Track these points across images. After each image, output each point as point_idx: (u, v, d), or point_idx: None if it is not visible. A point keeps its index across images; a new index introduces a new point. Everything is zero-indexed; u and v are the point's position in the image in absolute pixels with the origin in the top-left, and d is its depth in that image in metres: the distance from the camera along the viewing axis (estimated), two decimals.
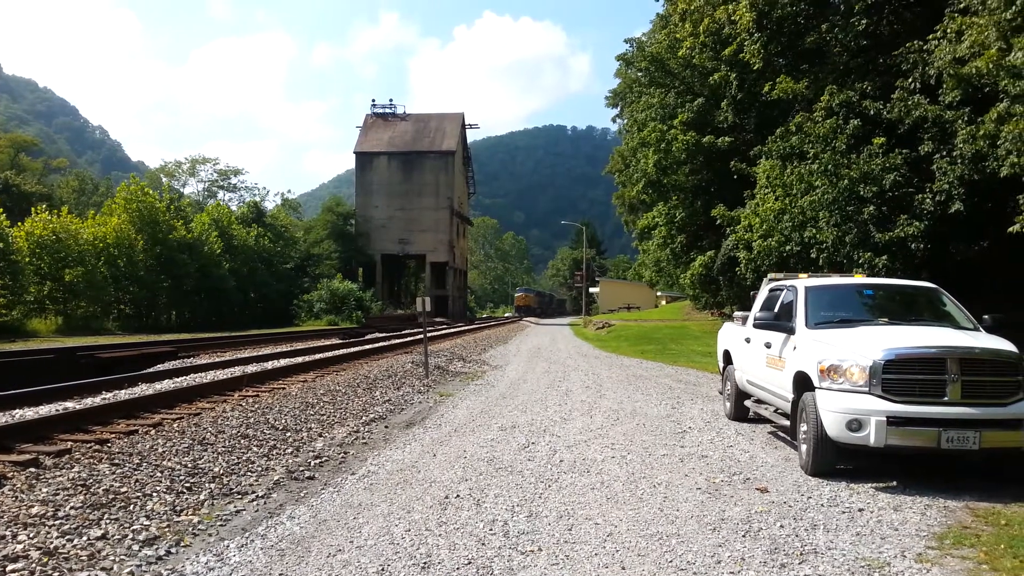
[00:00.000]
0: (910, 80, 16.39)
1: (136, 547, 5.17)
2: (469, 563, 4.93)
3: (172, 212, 45.76)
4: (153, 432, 8.52)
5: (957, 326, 8.16)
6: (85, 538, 5.22)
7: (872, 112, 17.28)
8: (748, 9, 20.47)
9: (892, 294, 9.53)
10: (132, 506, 5.99)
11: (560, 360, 22.26)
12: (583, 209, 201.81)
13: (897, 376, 6.80)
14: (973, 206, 15.40)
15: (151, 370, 14.55)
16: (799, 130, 18.73)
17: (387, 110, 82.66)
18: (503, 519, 5.88)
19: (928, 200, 15.80)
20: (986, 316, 8.42)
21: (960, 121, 15.03)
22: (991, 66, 13.19)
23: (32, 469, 6.61)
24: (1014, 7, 12.60)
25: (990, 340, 7.43)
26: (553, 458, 8.14)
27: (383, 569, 4.84)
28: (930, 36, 15.54)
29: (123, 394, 11.27)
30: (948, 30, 14.78)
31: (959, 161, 15.01)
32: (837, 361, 7.12)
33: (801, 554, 5.09)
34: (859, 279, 10.12)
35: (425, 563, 4.94)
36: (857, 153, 17.13)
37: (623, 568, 4.87)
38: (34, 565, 4.68)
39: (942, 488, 6.79)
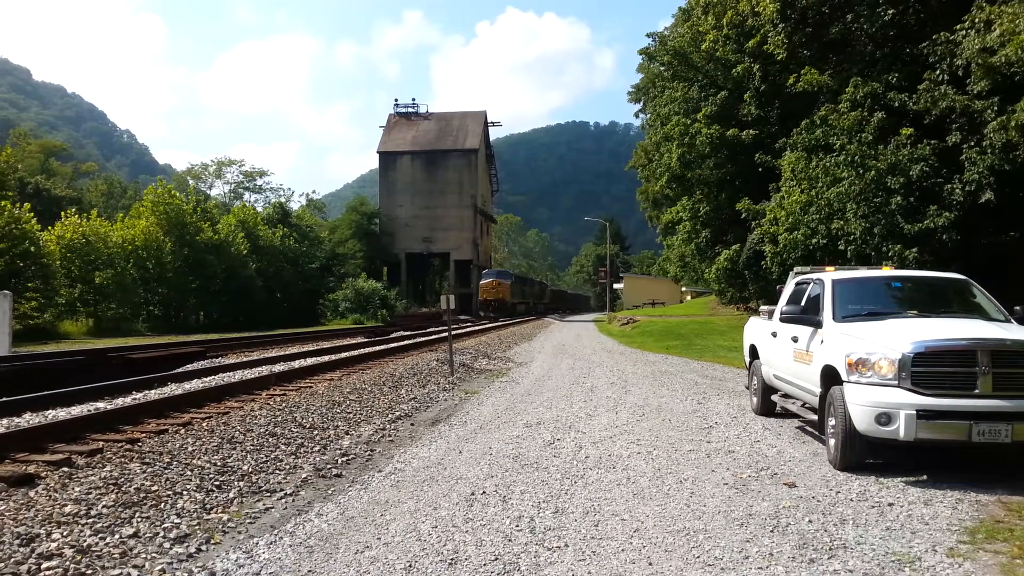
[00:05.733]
0: (937, 72, 16.15)
1: (167, 545, 5.23)
2: (496, 559, 4.94)
3: (199, 214, 46.24)
4: (183, 431, 8.63)
5: (988, 318, 8.04)
6: (117, 536, 5.30)
7: (897, 104, 17.05)
8: None
9: (921, 286, 9.39)
10: (163, 504, 6.07)
11: (585, 356, 22.21)
12: (606, 205, 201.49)
13: (927, 369, 6.70)
14: (1004, 196, 15.16)
15: (180, 370, 14.73)
16: (824, 122, 18.54)
17: (410, 109, 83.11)
18: (529, 515, 5.89)
19: (958, 190, 15.57)
20: (1017, 307, 8.28)
21: (989, 111, 14.79)
22: (1020, 52, 12.98)
23: (65, 468, 6.73)
24: None
25: (1022, 332, 7.30)
26: (579, 454, 8.13)
27: (411, 565, 4.86)
28: (957, 27, 15.30)
29: (153, 394, 11.43)
30: (976, 20, 14.55)
31: (989, 151, 14.77)
32: (865, 354, 7.03)
33: (830, 549, 5.05)
34: (887, 271, 9.99)
35: (452, 559, 4.95)
36: (884, 144, 16.92)
37: (650, 563, 4.85)
38: (68, 563, 4.75)
39: (973, 482, 6.69)
